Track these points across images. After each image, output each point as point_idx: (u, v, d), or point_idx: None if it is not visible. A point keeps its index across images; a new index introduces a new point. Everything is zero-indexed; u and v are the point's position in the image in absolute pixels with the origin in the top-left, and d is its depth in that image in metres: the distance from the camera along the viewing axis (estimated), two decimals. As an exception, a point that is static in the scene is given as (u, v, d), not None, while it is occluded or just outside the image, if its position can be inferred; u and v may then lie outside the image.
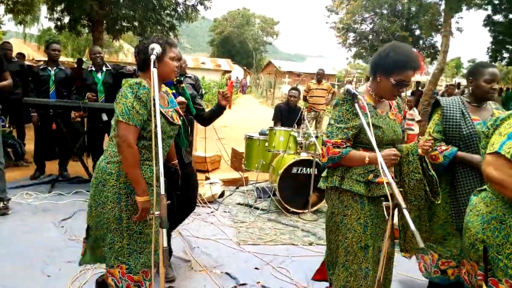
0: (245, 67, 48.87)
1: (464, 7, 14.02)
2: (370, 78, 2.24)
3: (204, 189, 4.84)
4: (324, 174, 2.29)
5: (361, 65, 41.13)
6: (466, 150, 2.43)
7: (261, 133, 5.39)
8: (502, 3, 15.39)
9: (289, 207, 4.63)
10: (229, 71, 36.56)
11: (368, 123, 2.00)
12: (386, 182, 1.79)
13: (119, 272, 2.07)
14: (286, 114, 5.60)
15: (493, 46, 16.78)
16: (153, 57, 1.91)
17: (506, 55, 16.84)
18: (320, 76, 7.97)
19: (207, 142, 5.29)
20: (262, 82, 34.22)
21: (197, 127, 5.13)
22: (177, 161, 2.55)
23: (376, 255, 2.15)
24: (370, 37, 19.13)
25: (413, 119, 7.61)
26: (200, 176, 5.66)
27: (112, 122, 2.08)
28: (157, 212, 1.75)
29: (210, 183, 4.95)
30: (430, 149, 2.19)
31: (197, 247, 3.60)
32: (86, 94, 4.95)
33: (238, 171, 5.85)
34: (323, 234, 4.09)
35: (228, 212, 4.63)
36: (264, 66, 50.42)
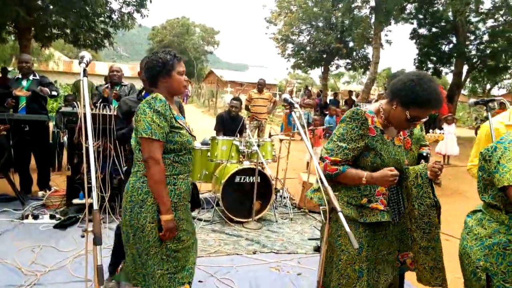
0: (186, 77, 48.20)
1: (392, 21, 15.07)
2: (385, 100, 2.06)
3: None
4: (315, 186, 2.19)
5: (300, 75, 42.47)
6: None
7: (203, 143, 5.33)
8: (426, 17, 16.73)
9: (233, 217, 4.60)
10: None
11: (304, 131, 2.05)
12: (323, 187, 1.81)
13: None
14: (228, 124, 5.60)
15: (419, 58, 18.15)
16: (82, 66, 1.80)
17: (430, 65, 18.27)
18: (261, 86, 8.09)
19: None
20: (204, 91, 34.02)
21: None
22: None
23: (375, 279, 2.05)
24: (308, 48, 19.81)
25: None
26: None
27: (133, 141, 2.09)
28: (90, 229, 1.64)
29: (151, 196, 4.78)
30: (440, 172, 2.05)
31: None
32: (6, 101, 4.66)
33: (180, 182, 5.72)
34: (267, 242, 4.12)
35: (170, 225, 4.49)
36: (205, 76, 50.18)
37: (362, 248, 2.00)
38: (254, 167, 4.59)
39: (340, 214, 1.69)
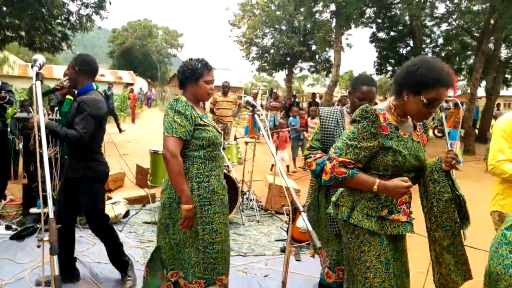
0: (149, 80, 47.45)
1: (352, 25, 15.49)
2: (392, 96, 1.96)
3: (106, 210, 4.51)
4: (333, 199, 2.05)
5: (265, 78, 42.81)
6: None
7: (167, 147, 5.24)
8: (384, 22, 17.34)
9: (198, 221, 4.54)
10: (132, 84, 35.14)
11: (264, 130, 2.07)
12: (285, 187, 1.84)
13: (198, 287, 2.24)
14: (192, 127, 5.54)
15: (378, 60, 18.79)
16: (35, 69, 1.73)
17: (389, 68, 18.95)
18: (225, 89, 8.07)
19: (109, 159, 4.96)
20: (168, 95, 33.54)
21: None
22: None
23: None
24: (272, 51, 20.01)
25: None
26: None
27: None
28: (46, 238, 1.57)
29: (113, 203, 4.65)
30: (455, 161, 1.91)
31: (100, 272, 3.34)
32: None
33: (143, 188, 5.60)
34: (234, 245, 4.10)
35: (134, 232, 4.38)
36: (169, 79, 49.50)
37: (389, 264, 1.83)
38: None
39: (303, 214, 1.72)
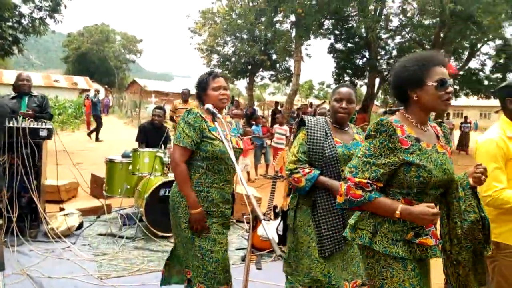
0: (106, 86, 46.08)
1: (311, 36, 15.86)
2: (401, 107, 1.79)
3: (58, 222, 4.30)
4: (351, 222, 1.82)
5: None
6: (328, 173, 2.31)
7: (124, 156, 5.07)
8: (342, 33, 17.92)
9: (157, 232, 4.42)
10: (87, 90, 33.97)
11: (226, 142, 2.05)
12: (245, 195, 1.81)
13: None
14: (151, 135, 5.41)
15: (336, 70, 19.35)
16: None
17: (347, 78, 19.56)
18: (186, 96, 7.99)
19: (61, 168, 4.76)
20: (126, 101, 32.68)
21: (47, 151, 4.58)
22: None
23: None
24: (233, 59, 20.06)
25: (284, 134, 8.33)
26: (53, 207, 5.04)
27: None
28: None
29: (65, 215, 4.42)
30: (484, 177, 1.70)
31: (51, 288, 3.15)
32: None
33: (98, 198, 5.38)
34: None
35: (88, 244, 4.19)
36: (128, 85, 48.33)
37: None
38: (179, 179, 4.47)
39: (264, 222, 1.70)
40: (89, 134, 14.16)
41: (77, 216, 4.53)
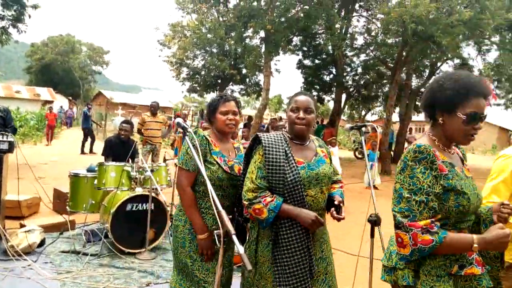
0: (70, 98, 44.73)
1: (280, 52, 16.14)
2: (428, 126, 1.67)
3: (19, 239, 4.10)
4: (385, 262, 1.65)
5: (196, 99, 42.59)
6: (291, 199, 1.99)
7: (89, 170, 4.93)
8: (310, 50, 18.35)
9: (124, 248, 4.30)
10: (51, 101, 32.84)
11: (205, 161, 2.10)
12: (216, 210, 1.78)
13: None
14: (118, 148, 5.29)
15: (305, 86, 19.73)
16: None
17: (315, 93, 19.97)
18: (154, 109, 7.88)
19: (23, 183, 4.55)
20: (91, 113, 31.80)
21: (7, 164, 4.38)
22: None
23: None
24: (203, 72, 20.03)
25: None
26: (13, 223, 4.81)
27: None
28: None
29: (26, 231, 4.22)
30: (510, 216, 1.59)
31: (8, 311, 2.98)
32: None
33: (62, 214, 5.18)
34: (162, 272, 3.93)
35: (50, 262, 4.01)
36: (93, 97, 47.13)
37: None
38: (148, 193, 4.39)
39: (234, 237, 1.68)
40: (82, 151, 13.77)
41: (39, 232, 4.34)
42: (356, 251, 3.41)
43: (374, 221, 2.35)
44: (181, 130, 2.11)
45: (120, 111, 25.00)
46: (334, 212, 2.04)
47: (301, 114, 2.07)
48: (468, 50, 41.38)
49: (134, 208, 4.39)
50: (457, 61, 17.66)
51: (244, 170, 2.17)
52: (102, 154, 5.38)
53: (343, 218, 2.05)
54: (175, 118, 10.98)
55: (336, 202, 2.08)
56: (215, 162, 2.20)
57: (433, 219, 1.44)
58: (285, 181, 1.98)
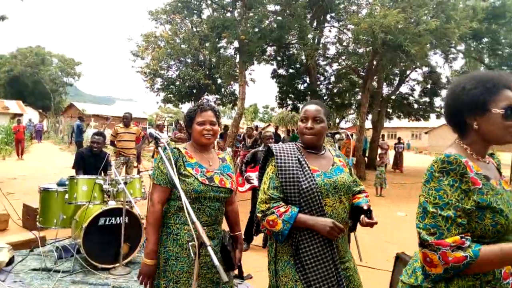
0: (40, 110, 43.52)
1: (255, 61, 16.27)
2: (456, 136, 1.50)
3: (-16, 259, 3.92)
4: (405, 279, 1.48)
5: (171, 110, 42.26)
6: (308, 209, 1.89)
7: (60, 184, 4.79)
8: (284, 60, 18.57)
9: (97, 264, 4.17)
10: (20, 114, 31.84)
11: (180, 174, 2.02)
12: (191, 221, 1.76)
13: None
14: (90, 161, 5.17)
15: (280, 95, 19.92)
16: None
17: (290, 102, 20.19)
18: (127, 120, 7.76)
19: (-12, 200, 4.36)
20: (63, 126, 31.02)
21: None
22: (240, 232, 2.38)
23: None
24: (177, 83, 19.92)
25: None
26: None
27: None
28: None
29: (-7, 250, 4.04)
30: None
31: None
32: None
33: (31, 230, 4.99)
34: (137, 287, 3.83)
35: (20, 281, 3.84)
36: (65, 109, 45.99)
37: None
38: (121, 206, 4.29)
39: (209, 248, 1.67)
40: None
41: (7, 250, 4.16)
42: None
43: (350, 228, 2.38)
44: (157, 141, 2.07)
45: (92, 123, 24.50)
46: (365, 218, 1.95)
47: (309, 124, 2.01)
48: (436, 59, 42.87)
49: (107, 222, 4.28)
50: (425, 69, 18.29)
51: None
52: (73, 167, 5.24)
53: (376, 223, 1.94)
54: (157, 128, 10.89)
55: (365, 207, 1.97)
56: (189, 174, 2.07)
57: (463, 235, 1.28)
58: (300, 190, 1.90)
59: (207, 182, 2.10)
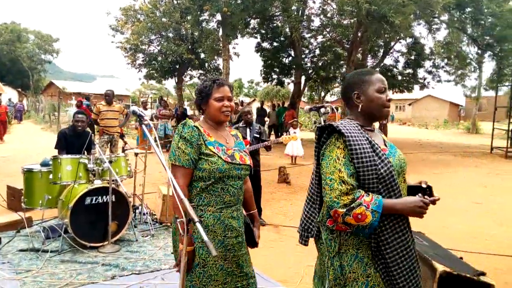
0: (19, 89, 42.31)
1: (239, 35, 15.99)
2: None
3: (-31, 241, 3.88)
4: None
5: (154, 86, 41.54)
6: (387, 195, 1.68)
7: (43, 164, 4.71)
8: (268, 33, 18.30)
9: (85, 243, 4.18)
10: (-1, 94, 30.89)
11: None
12: (178, 198, 1.74)
13: None
14: (73, 140, 5.08)
15: (264, 69, 19.74)
16: None
17: (275, 76, 20.05)
18: (109, 97, 7.61)
19: (-30, 182, 4.27)
20: (43, 105, 30.28)
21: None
22: (256, 210, 2.32)
23: None
24: (159, 58, 19.49)
25: None
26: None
27: None
28: None
29: (-22, 232, 4.00)
30: None
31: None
32: None
33: (17, 211, 4.94)
34: (127, 263, 3.87)
35: (8, 262, 3.84)
36: (44, 87, 44.82)
37: None
38: (107, 185, 4.27)
39: (198, 225, 1.67)
40: None
41: (-8, 233, 4.13)
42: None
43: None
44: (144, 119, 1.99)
45: (73, 101, 23.95)
46: (426, 197, 1.70)
47: (388, 96, 1.84)
48: (420, 29, 42.88)
49: (93, 201, 4.26)
50: (409, 40, 18.28)
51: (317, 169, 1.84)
52: (56, 147, 5.15)
53: (439, 199, 1.71)
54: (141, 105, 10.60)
55: (424, 185, 1.75)
56: (212, 153, 1.98)
57: None
58: (378, 175, 1.66)
59: (229, 160, 2.02)
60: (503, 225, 5.40)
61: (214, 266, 1.95)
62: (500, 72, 17.02)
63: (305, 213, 1.97)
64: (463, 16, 15.79)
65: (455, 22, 15.60)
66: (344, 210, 1.60)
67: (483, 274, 1.68)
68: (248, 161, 2.13)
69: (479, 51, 17.71)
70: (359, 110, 1.82)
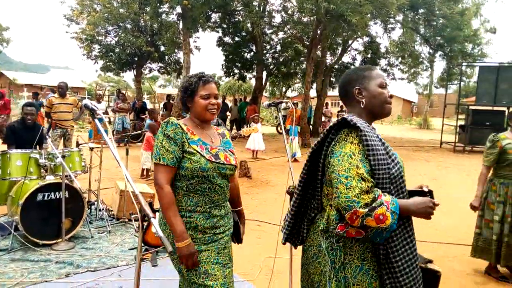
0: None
1: (199, 28, 15.81)
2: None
3: None
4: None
5: (112, 78, 40.16)
6: (398, 197, 1.58)
7: (-9, 159, 4.47)
8: (229, 27, 18.22)
9: (37, 240, 4.03)
10: None
11: None
12: (132, 193, 1.75)
13: None
14: (22, 134, 4.85)
15: (226, 63, 19.67)
16: None
17: (236, 71, 20.03)
18: (62, 90, 7.31)
19: None
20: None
21: None
22: (242, 207, 2.32)
23: None
24: (117, 50, 18.86)
25: None
26: None
27: None
28: None
29: None
30: None
31: None
32: None
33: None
34: (82, 261, 3.79)
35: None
36: (-7, 79, 42.06)
37: None
38: (60, 181, 4.13)
39: (153, 220, 1.68)
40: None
41: None
42: (278, 221, 3.59)
43: (292, 193, 2.48)
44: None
45: (25, 93, 22.73)
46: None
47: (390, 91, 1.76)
48: (376, 29, 44.36)
49: (46, 198, 4.11)
50: (366, 38, 18.86)
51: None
52: (4, 142, 4.90)
53: (438, 204, 1.62)
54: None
55: (425, 189, 1.66)
56: (195, 152, 1.94)
57: None
58: (390, 175, 1.56)
59: (213, 160, 1.98)
60: (451, 215, 5.76)
61: (208, 260, 1.93)
62: (450, 71, 17.96)
63: (295, 216, 1.86)
64: (417, 17, 16.48)
65: (409, 23, 16.24)
66: (366, 210, 1.43)
67: (430, 261, 1.81)
68: (233, 161, 2.10)
69: (431, 51, 18.54)
70: (362, 106, 1.70)
